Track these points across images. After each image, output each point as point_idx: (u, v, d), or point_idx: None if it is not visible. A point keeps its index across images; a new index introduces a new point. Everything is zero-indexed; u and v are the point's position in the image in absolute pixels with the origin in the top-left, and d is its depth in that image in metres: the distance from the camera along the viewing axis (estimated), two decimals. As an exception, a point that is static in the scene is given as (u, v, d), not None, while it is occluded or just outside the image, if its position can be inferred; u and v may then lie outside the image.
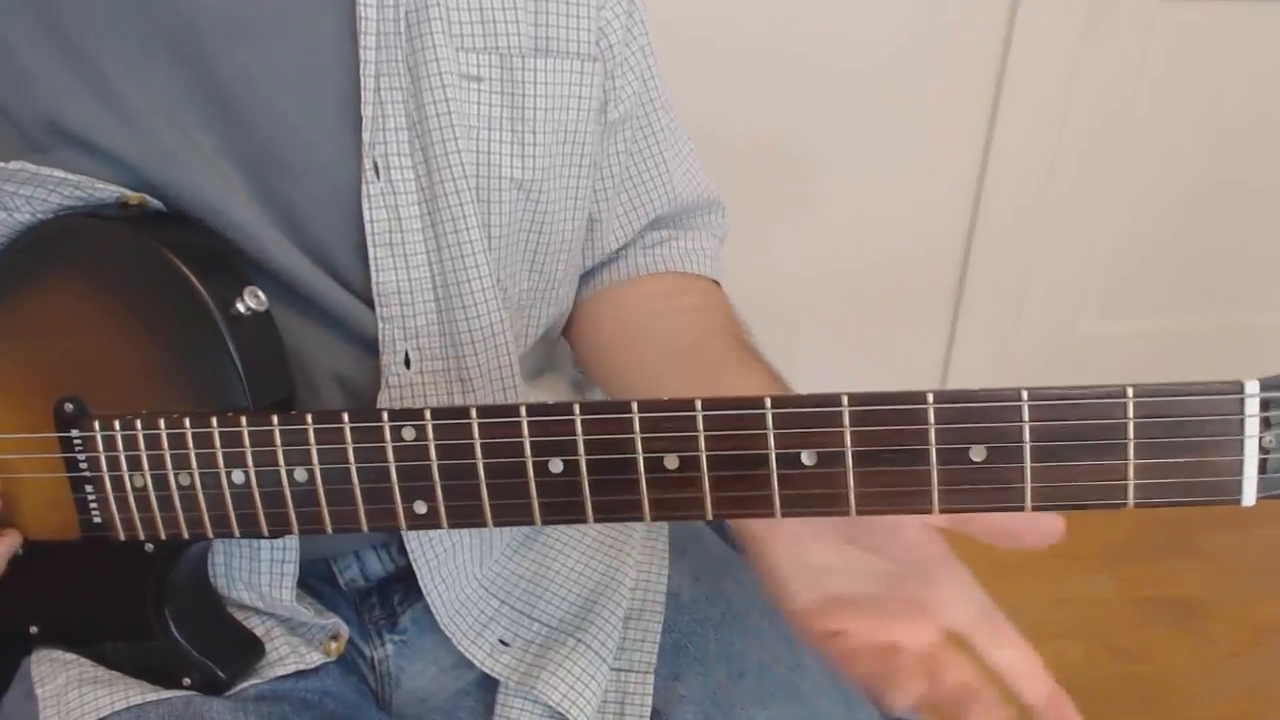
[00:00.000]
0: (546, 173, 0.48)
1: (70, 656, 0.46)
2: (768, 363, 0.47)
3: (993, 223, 1.32)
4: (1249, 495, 0.29)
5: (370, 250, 0.44)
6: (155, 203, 0.41)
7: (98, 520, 0.41)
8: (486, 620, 0.49)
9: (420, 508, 0.37)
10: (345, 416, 0.36)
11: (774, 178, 1.25)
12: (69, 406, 0.41)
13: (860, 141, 1.25)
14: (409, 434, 0.36)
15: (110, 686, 0.44)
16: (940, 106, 1.25)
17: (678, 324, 0.51)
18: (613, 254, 0.55)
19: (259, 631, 0.47)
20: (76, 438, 0.41)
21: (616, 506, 0.35)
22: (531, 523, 0.36)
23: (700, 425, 0.33)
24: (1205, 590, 1.20)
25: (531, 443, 0.34)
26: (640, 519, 0.34)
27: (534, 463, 0.35)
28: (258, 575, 0.47)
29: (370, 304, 0.44)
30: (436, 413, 0.35)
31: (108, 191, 0.41)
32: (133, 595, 0.43)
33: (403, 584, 0.52)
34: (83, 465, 0.41)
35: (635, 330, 0.53)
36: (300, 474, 0.37)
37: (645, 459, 0.33)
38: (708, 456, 0.33)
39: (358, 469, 0.37)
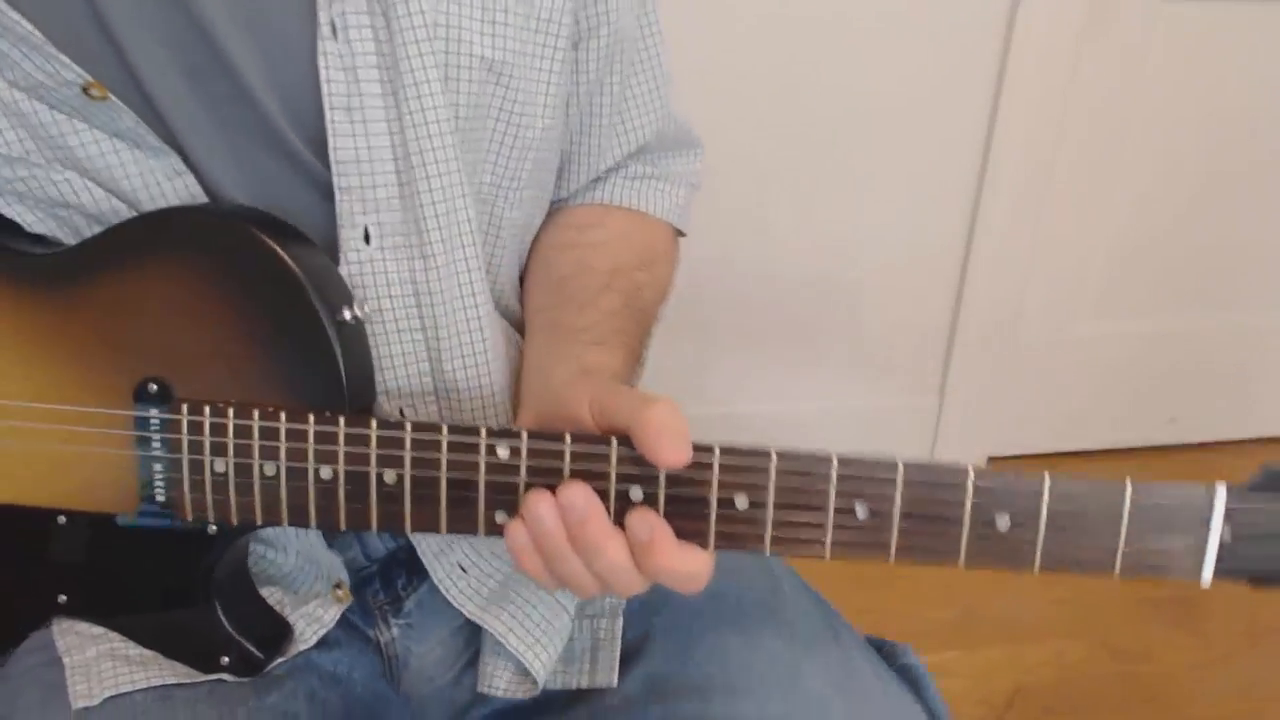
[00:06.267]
0: (517, 56, 0.49)
1: (98, 630, 0.50)
2: (617, 309, 0.52)
3: (992, 222, 1.37)
4: (1206, 577, 0.40)
5: (327, 114, 0.45)
6: (115, 100, 0.44)
7: (160, 499, 0.46)
8: (447, 542, 0.53)
9: (500, 518, 0.44)
10: (444, 429, 0.43)
11: (773, 178, 1.29)
12: (153, 386, 0.45)
13: (859, 141, 1.30)
14: (503, 453, 0.43)
15: (145, 667, 0.48)
16: (940, 106, 1.30)
17: (566, 256, 0.56)
18: (598, 176, 0.59)
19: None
20: (154, 418, 0.46)
21: (683, 533, 0.43)
22: None
23: (772, 472, 0.41)
24: (1205, 590, 1.33)
25: (618, 473, 0.42)
26: (704, 546, 0.43)
27: (616, 490, 0.43)
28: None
29: (330, 195, 0.46)
30: (534, 435, 0.43)
31: (70, 71, 0.43)
32: (182, 575, 0.48)
33: (404, 566, 0.56)
34: (156, 445, 0.46)
35: (539, 254, 0.58)
36: (390, 476, 0.44)
37: (718, 497, 0.42)
38: (774, 500, 0.42)
39: (448, 479, 0.44)
